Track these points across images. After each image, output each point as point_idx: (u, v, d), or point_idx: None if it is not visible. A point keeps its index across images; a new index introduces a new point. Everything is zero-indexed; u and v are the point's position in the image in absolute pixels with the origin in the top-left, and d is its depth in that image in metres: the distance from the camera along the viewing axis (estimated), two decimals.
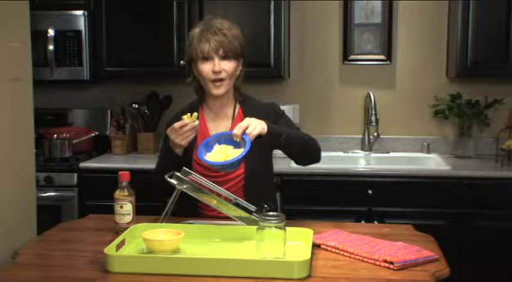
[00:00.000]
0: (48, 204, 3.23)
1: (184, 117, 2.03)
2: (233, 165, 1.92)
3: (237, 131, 1.90)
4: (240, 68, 2.21)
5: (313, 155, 2.21)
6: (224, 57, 2.12)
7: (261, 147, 2.14)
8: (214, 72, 2.11)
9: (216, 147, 1.96)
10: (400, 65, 3.74)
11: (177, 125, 2.03)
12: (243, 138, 1.91)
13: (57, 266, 1.77)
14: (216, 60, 2.11)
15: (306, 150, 2.17)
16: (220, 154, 1.93)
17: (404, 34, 3.72)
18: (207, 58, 2.12)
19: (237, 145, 1.93)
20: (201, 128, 2.23)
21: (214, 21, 2.16)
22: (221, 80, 2.13)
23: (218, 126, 2.24)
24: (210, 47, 2.10)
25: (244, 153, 1.88)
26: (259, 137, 1.93)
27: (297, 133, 2.16)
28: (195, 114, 2.04)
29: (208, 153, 1.94)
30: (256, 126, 1.92)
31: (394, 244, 1.83)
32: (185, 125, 2.02)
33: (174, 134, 2.04)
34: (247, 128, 1.90)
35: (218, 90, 2.15)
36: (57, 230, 2.14)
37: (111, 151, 3.73)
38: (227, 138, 1.96)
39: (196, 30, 2.15)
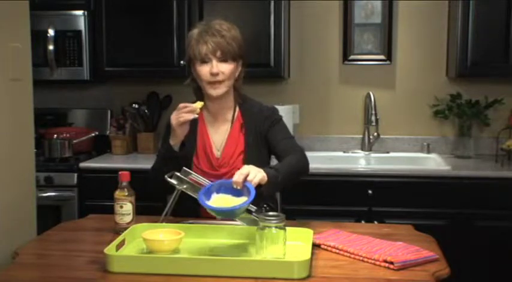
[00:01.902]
0: (48, 204, 3.23)
1: (196, 103, 2.05)
2: (240, 211, 1.78)
3: (238, 178, 1.81)
4: (240, 69, 2.20)
5: (301, 178, 2.17)
6: (222, 59, 2.11)
7: (259, 148, 2.14)
8: (212, 74, 2.10)
9: (214, 196, 1.84)
10: (400, 65, 3.73)
11: (182, 104, 2.04)
12: (244, 185, 1.81)
13: (57, 266, 1.77)
14: (214, 62, 2.10)
15: (297, 178, 2.14)
16: (220, 203, 1.82)
17: (404, 34, 3.71)
18: (205, 60, 2.11)
19: (236, 194, 1.83)
20: (201, 132, 2.23)
21: (213, 22, 2.15)
22: (219, 81, 2.12)
23: (218, 129, 2.23)
24: (207, 49, 2.09)
25: (251, 199, 1.75)
26: (258, 186, 1.84)
27: (290, 164, 2.07)
28: (202, 103, 2.05)
29: (207, 202, 1.81)
30: (256, 174, 1.84)
31: (394, 244, 1.83)
32: (187, 107, 2.02)
33: (175, 112, 2.05)
34: (247, 175, 1.82)
35: (215, 91, 2.14)
36: (57, 230, 2.14)
37: (111, 151, 3.73)
38: (226, 187, 1.85)
39: (195, 31, 2.15)
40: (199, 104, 2.04)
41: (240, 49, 2.15)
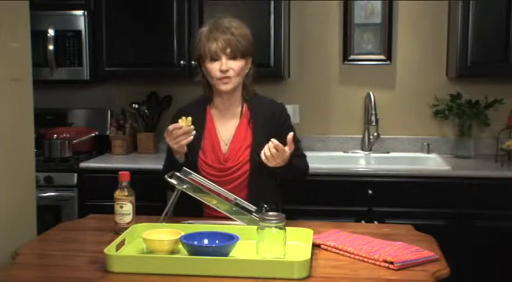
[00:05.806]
0: (48, 204, 3.23)
1: (180, 120, 2.03)
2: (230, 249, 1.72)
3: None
4: (249, 66, 2.22)
5: (301, 177, 2.33)
6: (231, 56, 2.14)
7: (265, 143, 2.13)
8: (222, 71, 2.13)
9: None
10: (400, 65, 3.73)
11: (170, 127, 2.05)
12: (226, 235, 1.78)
13: (57, 266, 1.77)
14: (224, 59, 2.13)
15: (298, 173, 2.27)
16: None
17: (404, 34, 3.71)
18: (214, 57, 2.14)
19: None
20: (209, 128, 2.24)
21: (223, 19, 2.18)
22: (228, 77, 2.14)
23: (226, 125, 2.25)
24: (217, 46, 2.12)
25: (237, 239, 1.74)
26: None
27: (297, 163, 2.20)
28: (189, 118, 2.04)
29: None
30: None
31: (394, 244, 1.83)
32: (179, 128, 2.02)
33: (169, 137, 2.06)
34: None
35: (225, 86, 2.16)
36: (57, 230, 2.14)
37: (111, 151, 3.73)
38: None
39: (205, 29, 2.18)
40: (188, 121, 2.03)
41: (249, 46, 2.18)
